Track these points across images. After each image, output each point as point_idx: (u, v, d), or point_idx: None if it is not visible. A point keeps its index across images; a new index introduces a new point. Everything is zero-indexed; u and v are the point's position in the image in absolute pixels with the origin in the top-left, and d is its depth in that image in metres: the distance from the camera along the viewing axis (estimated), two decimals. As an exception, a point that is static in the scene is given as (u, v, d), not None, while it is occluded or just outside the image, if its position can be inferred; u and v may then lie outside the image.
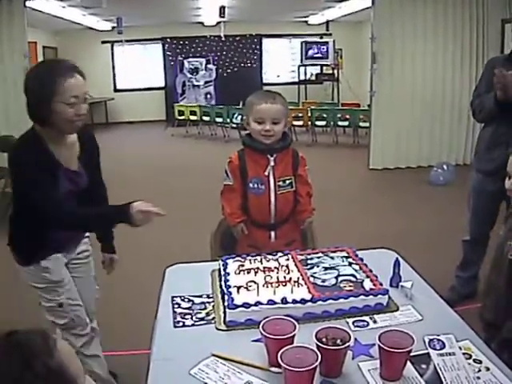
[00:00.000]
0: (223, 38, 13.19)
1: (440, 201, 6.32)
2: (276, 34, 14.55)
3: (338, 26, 13.62)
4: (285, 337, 1.52)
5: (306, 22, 13.86)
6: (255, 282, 1.89)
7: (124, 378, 2.89)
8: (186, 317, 1.88)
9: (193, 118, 12.04)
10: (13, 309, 3.66)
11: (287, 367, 1.37)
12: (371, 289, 1.87)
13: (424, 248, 4.59)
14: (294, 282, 1.90)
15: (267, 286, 1.88)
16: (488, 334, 1.96)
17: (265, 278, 1.94)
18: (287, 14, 12.70)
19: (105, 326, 2.72)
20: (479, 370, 1.50)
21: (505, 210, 3.17)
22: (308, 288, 1.87)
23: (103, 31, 13.08)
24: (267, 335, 1.54)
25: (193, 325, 1.83)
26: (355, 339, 1.62)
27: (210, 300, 1.99)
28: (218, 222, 2.79)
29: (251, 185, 2.52)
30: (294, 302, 1.78)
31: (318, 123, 10.66)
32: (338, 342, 1.50)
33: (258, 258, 2.15)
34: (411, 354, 1.47)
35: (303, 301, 1.78)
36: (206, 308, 1.93)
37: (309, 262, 2.13)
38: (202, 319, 1.86)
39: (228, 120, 11.22)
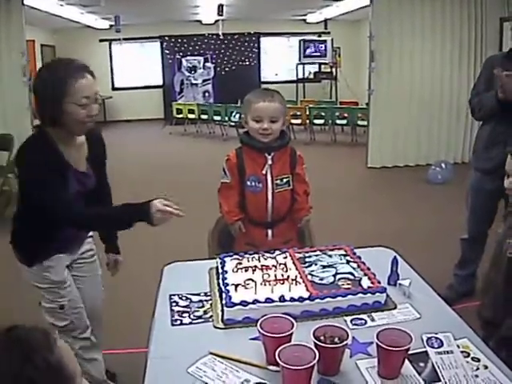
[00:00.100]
0: (221, 37, 13.18)
1: (438, 199, 6.32)
2: (274, 33, 14.54)
3: (336, 24, 13.61)
4: (283, 335, 1.52)
5: (305, 20, 13.86)
6: (253, 280, 1.89)
7: (122, 377, 2.89)
8: (184, 315, 1.88)
9: (191, 116, 12.02)
10: (13, 309, 3.65)
11: (285, 365, 1.37)
12: (369, 287, 1.87)
13: (422, 246, 4.59)
14: (292, 280, 1.90)
15: (265, 284, 1.88)
16: (486, 332, 1.96)
17: (263, 276, 1.93)
18: (285, 13, 12.69)
19: (103, 325, 2.71)
20: (477, 368, 1.50)
21: (503, 208, 3.17)
22: (306, 286, 1.87)
23: (101, 29, 13.06)
24: (265, 333, 1.53)
25: (190, 323, 1.83)
26: (353, 337, 1.62)
27: (208, 298, 1.98)
28: (216, 220, 2.79)
29: (249, 183, 2.52)
30: (292, 300, 1.77)
31: (316, 121, 10.66)
32: (336, 340, 1.50)
33: (256, 256, 2.15)
34: (409, 352, 1.47)
35: (301, 299, 1.78)
36: (203, 306, 1.93)
37: (307, 260, 2.12)
38: (199, 317, 1.86)
39: (226, 118, 11.21)
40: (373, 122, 8.03)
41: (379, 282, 1.90)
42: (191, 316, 1.87)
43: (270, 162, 2.50)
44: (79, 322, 2.44)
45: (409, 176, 7.62)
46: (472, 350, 1.58)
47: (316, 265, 2.07)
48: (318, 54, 13.34)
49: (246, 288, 1.86)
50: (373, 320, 1.78)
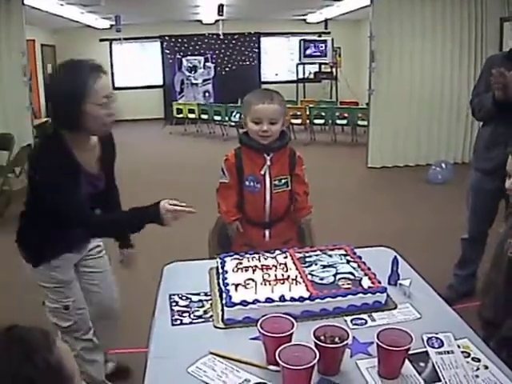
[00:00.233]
0: (222, 36, 13.20)
1: (438, 199, 6.32)
2: (274, 33, 14.54)
3: (336, 24, 13.61)
4: (283, 335, 1.52)
5: (305, 20, 13.86)
6: (253, 280, 1.89)
7: (122, 376, 2.89)
8: (184, 315, 1.88)
9: (191, 116, 12.02)
10: (13, 309, 3.65)
11: (285, 365, 1.37)
12: (369, 287, 1.87)
13: (422, 246, 4.59)
14: (292, 279, 1.90)
15: (265, 284, 1.88)
16: (486, 332, 1.96)
17: (263, 276, 1.93)
18: (286, 13, 12.69)
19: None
20: (478, 369, 1.50)
21: (503, 208, 3.17)
22: (306, 286, 1.87)
23: (101, 29, 13.06)
24: (265, 333, 1.53)
25: (190, 323, 1.83)
26: (353, 337, 1.61)
27: (208, 298, 1.98)
28: (216, 220, 2.78)
29: (247, 183, 2.51)
30: (292, 299, 1.77)
31: (316, 122, 10.66)
32: (336, 340, 1.50)
33: (256, 255, 2.14)
34: (409, 352, 1.47)
35: (301, 299, 1.78)
36: (203, 306, 1.93)
37: (307, 259, 2.12)
38: (199, 317, 1.86)
39: (226, 118, 11.21)
40: (373, 122, 8.02)
41: (379, 282, 1.90)
42: (191, 316, 1.87)
43: (268, 162, 2.49)
44: (82, 323, 2.44)
45: (409, 176, 7.62)
46: (472, 350, 1.58)
47: (316, 265, 2.07)
48: (319, 53, 13.35)
49: (247, 288, 1.86)
50: (373, 320, 1.78)
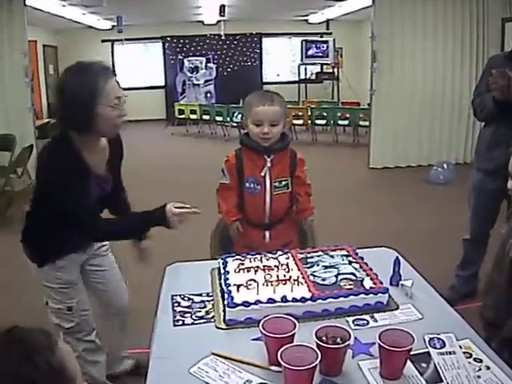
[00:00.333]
0: (223, 37, 13.20)
1: (440, 200, 6.32)
2: (276, 33, 14.55)
3: (338, 24, 13.62)
4: (285, 335, 1.52)
5: (307, 20, 13.86)
6: (255, 281, 1.89)
7: (124, 377, 2.89)
8: (186, 315, 1.88)
9: (193, 116, 12.03)
10: (13, 308, 3.66)
11: (287, 366, 1.37)
12: (371, 287, 1.86)
13: (424, 247, 4.59)
14: (294, 280, 1.90)
15: (267, 285, 1.88)
16: (488, 332, 1.96)
17: (265, 277, 1.93)
18: (287, 13, 12.69)
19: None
20: (479, 369, 1.49)
21: (505, 208, 3.17)
22: (308, 286, 1.87)
23: (103, 30, 13.08)
24: (267, 334, 1.53)
25: (192, 323, 1.83)
26: (355, 338, 1.61)
27: (210, 299, 1.98)
28: (217, 221, 2.79)
29: (247, 184, 2.51)
30: (294, 300, 1.77)
31: (318, 122, 10.66)
32: (338, 340, 1.49)
33: (258, 256, 2.14)
34: (411, 352, 1.47)
35: (303, 299, 1.78)
36: (205, 307, 1.93)
37: (309, 260, 2.12)
38: (201, 318, 1.86)
39: (228, 119, 11.21)
40: (375, 122, 8.02)
41: (381, 283, 1.90)
42: (193, 316, 1.87)
43: (269, 164, 2.49)
44: (85, 324, 2.44)
45: (410, 176, 7.61)
46: (474, 351, 1.58)
47: (318, 265, 2.07)
48: (320, 54, 13.35)
49: (248, 288, 1.86)
50: (375, 320, 1.78)
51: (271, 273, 1.98)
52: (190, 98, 13.72)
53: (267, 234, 2.59)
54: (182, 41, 14.02)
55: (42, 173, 2.16)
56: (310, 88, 13.59)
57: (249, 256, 2.15)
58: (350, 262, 2.09)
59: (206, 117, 11.79)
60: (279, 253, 2.18)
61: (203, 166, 8.02)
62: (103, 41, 14.02)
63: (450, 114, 8.05)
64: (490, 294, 2.11)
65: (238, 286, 1.86)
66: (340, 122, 10.53)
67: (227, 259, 2.14)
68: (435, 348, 1.57)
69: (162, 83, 14.36)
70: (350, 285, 1.90)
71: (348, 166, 8.48)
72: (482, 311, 2.10)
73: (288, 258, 2.14)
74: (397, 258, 2.07)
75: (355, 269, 2.02)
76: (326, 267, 2.05)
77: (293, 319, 1.60)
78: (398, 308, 1.86)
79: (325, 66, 13.74)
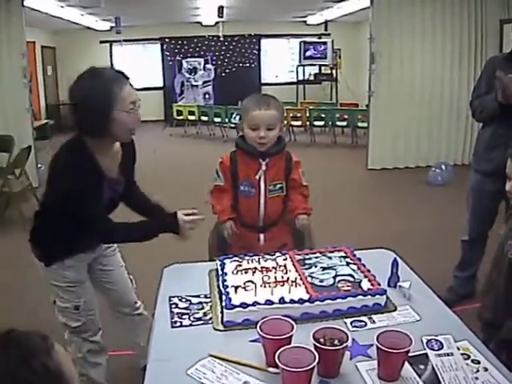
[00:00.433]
0: (222, 38, 13.20)
1: (438, 201, 6.32)
2: (274, 34, 14.54)
3: (336, 26, 13.63)
4: (282, 337, 1.52)
5: (305, 22, 13.86)
6: (253, 282, 1.89)
7: (122, 379, 2.89)
8: (184, 317, 1.88)
9: (191, 117, 12.03)
10: (12, 309, 3.66)
11: (285, 367, 1.37)
12: (369, 289, 1.87)
13: (422, 248, 4.59)
14: (292, 282, 1.90)
15: (265, 286, 1.88)
16: (486, 334, 1.96)
17: (262, 278, 1.93)
18: (286, 14, 12.69)
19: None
20: (477, 371, 1.50)
21: (504, 209, 3.17)
22: (306, 288, 1.87)
23: (101, 31, 13.06)
24: (265, 335, 1.53)
25: (190, 325, 1.83)
26: (353, 339, 1.62)
27: (208, 300, 1.98)
28: (215, 223, 2.78)
29: (242, 187, 2.49)
30: (292, 302, 1.77)
31: (316, 123, 10.65)
32: (336, 342, 1.50)
33: (256, 257, 2.14)
34: (409, 354, 1.47)
35: (301, 301, 1.78)
36: (203, 308, 1.93)
37: (306, 261, 2.12)
38: (199, 319, 1.86)
39: (226, 120, 11.21)
40: (373, 123, 8.02)
41: (379, 284, 1.90)
42: (191, 318, 1.87)
43: (263, 167, 2.47)
44: (91, 324, 2.44)
45: (409, 178, 7.61)
46: (472, 353, 1.58)
47: (316, 267, 2.07)
48: (319, 55, 13.35)
49: (246, 290, 1.86)
50: (373, 322, 1.78)
51: (269, 274, 1.98)
52: (188, 99, 13.70)
53: (262, 236, 2.57)
54: (180, 42, 14.01)
55: (56, 177, 2.18)
56: (308, 89, 13.59)
57: (247, 257, 2.15)
58: (348, 264, 2.09)
59: (204, 118, 11.78)
60: (277, 254, 2.18)
61: (201, 166, 7.99)
62: (101, 42, 14.00)
63: (448, 116, 8.06)
64: (488, 294, 2.11)
65: (236, 288, 1.87)
66: (338, 124, 10.53)
67: (225, 260, 2.14)
68: (433, 349, 1.56)
69: (161, 84, 14.34)
70: (348, 286, 1.90)
71: (346, 168, 8.48)
72: (480, 312, 2.10)
73: (286, 259, 2.14)
74: (395, 259, 2.07)
75: (353, 270, 2.03)
76: (323, 269, 2.05)
77: (290, 321, 1.60)
78: (395, 309, 1.86)
79: (323, 68, 13.72)
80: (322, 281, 1.95)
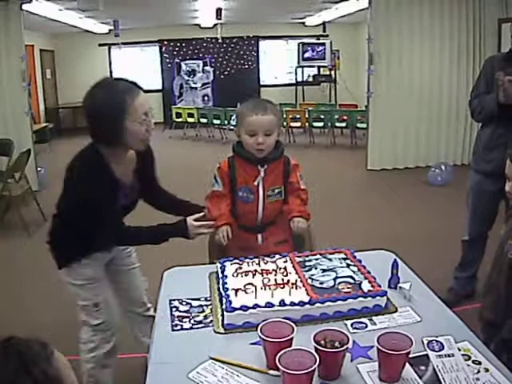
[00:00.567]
0: (220, 40, 13.22)
1: (438, 201, 6.32)
2: (273, 36, 14.55)
3: (334, 27, 13.62)
4: (283, 339, 1.52)
5: (303, 23, 13.86)
6: (253, 285, 1.89)
7: (122, 382, 2.89)
8: (184, 320, 1.88)
9: (190, 120, 12.04)
10: (12, 309, 3.66)
11: (285, 370, 1.37)
12: (369, 290, 1.86)
13: (422, 249, 4.59)
14: (292, 284, 1.90)
15: (265, 289, 1.88)
16: (487, 334, 1.96)
17: (263, 281, 1.93)
18: (284, 16, 12.70)
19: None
20: (478, 371, 1.49)
21: (503, 209, 3.17)
22: (306, 290, 1.87)
23: (100, 34, 13.06)
24: (265, 338, 1.53)
25: (191, 328, 1.83)
26: (354, 341, 1.61)
27: (208, 303, 1.98)
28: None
29: (240, 193, 2.46)
30: (292, 304, 1.77)
31: (315, 124, 10.65)
32: (337, 344, 1.49)
33: (256, 260, 2.14)
34: (410, 355, 1.47)
35: (301, 303, 1.78)
36: (203, 311, 1.93)
37: (307, 263, 2.12)
38: (199, 322, 1.86)
39: (225, 122, 11.21)
40: (372, 124, 8.03)
41: (379, 286, 1.90)
42: (191, 321, 1.87)
43: (262, 174, 2.43)
44: (111, 323, 2.49)
45: (408, 178, 7.62)
46: (473, 353, 1.58)
47: (316, 269, 2.07)
48: (317, 56, 13.35)
49: (246, 292, 1.86)
50: (373, 323, 1.78)
51: (269, 276, 1.98)
52: (187, 102, 13.70)
53: (259, 236, 2.55)
54: (178, 44, 14.02)
55: (71, 186, 2.22)
56: (307, 90, 13.59)
57: (247, 260, 2.15)
58: (348, 265, 2.09)
59: (203, 120, 11.78)
60: (277, 256, 2.18)
61: (201, 168, 8.01)
62: (100, 45, 14.01)
63: (447, 115, 8.06)
64: (488, 295, 2.11)
65: (236, 290, 1.86)
66: (337, 125, 10.53)
67: (225, 263, 2.14)
68: (434, 351, 1.56)
69: (160, 87, 14.33)
70: (349, 288, 1.90)
71: (346, 168, 8.48)
72: (481, 312, 2.10)
73: (286, 261, 2.14)
74: (395, 260, 2.07)
75: (353, 272, 2.03)
76: (324, 270, 2.05)
77: (291, 323, 1.60)
78: (396, 311, 1.86)
79: (322, 69, 13.72)
80: (322, 283, 1.95)
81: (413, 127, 8.04)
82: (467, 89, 7.28)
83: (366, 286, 1.90)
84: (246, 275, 2.01)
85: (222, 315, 1.81)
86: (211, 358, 1.61)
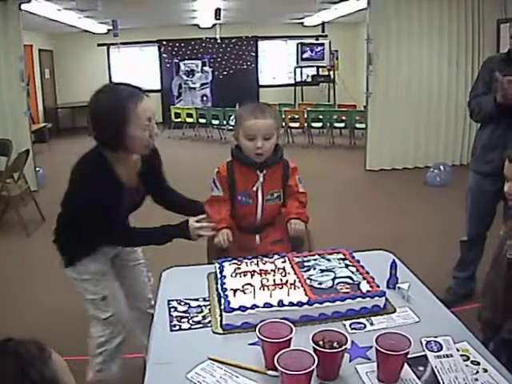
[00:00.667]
0: (219, 40, 13.21)
1: (437, 201, 6.32)
2: (272, 36, 14.55)
3: (333, 27, 13.62)
4: (281, 340, 1.52)
5: (302, 23, 13.87)
6: (252, 285, 1.89)
7: (121, 382, 2.88)
8: (183, 320, 1.88)
9: (189, 120, 12.04)
10: (11, 308, 3.65)
11: (284, 370, 1.37)
12: (368, 291, 1.86)
13: (421, 249, 4.59)
14: (291, 284, 1.90)
15: (264, 289, 1.88)
16: (486, 334, 1.96)
17: (261, 281, 1.93)
18: (283, 16, 12.70)
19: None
20: (477, 372, 1.49)
21: (502, 210, 3.17)
22: (305, 290, 1.87)
23: (99, 34, 13.05)
24: (264, 338, 1.53)
25: (189, 328, 1.83)
26: (352, 342, 1.61)
27: (207, 303, 1.98)
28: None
29: (239, 198, 2.44)
30: (291, 304, 1.77)
31: (314, 125, 10.65)
32: (335, 344, 1.49)
33: (255, 260, 2.14)
34: (408, 356, 1.47)
35: (300, 303, 1.78)
36: (202, 311, 1.93)
37: (305, 264, 2.12)
38: (198, 323, 1.85)
39: (224, 122, 11.22)
40: (371, 124, 8.03)
41: (378, 286, 1.90)
42: (190, 321, 1.87)
43: (261, 179, 2.41)
44: (121, 316, 2.50)
45: (407, 178, 7.62)
46: (471, 354, 1.58)
47: (315, 269, 2.07)
48: (316, 57, 13.35)
49: (245, 293, 1.86)
50: (372, 324, 1.78)
51: (268, 277, 1.98)
52: (186, 102, 13.69)
53: (257, 236, 2.54)
54: (177, 44, 14.02)
55: (76, 188, 2.24)
56: (306, 91, 13.59)
57: (245, 260, 2.15)
58: (347, 266, 2.09)
59: (202, 120, 11.79)
60: (276, 257, 2.17)
61: (200, 169, 8.01)
62: (99, 45, 14.00)
63: (446, 116, 8.06)
64: (487, 295, 2.11)
65: (235, 291, 1.86)
66: (336, 125, 10.54)
67: (224, 263, 2.14)
68: (432, 351, 1.56)
69: (158, 87, 14.33)
70: (347, 288, 1.90)
71: (344, 169, 8.47)
72: (480, 312, 2.10)
73: (284, 261, 2.14)
74: (393, 260, 2.07)
75: (352, 272, 2.02)
76: (322, 271, 2.05)
77: (289, 323, 1.60)
78: (395, 311, 1.86)
79: (321, 69, 13.72)
80: (320, 283, 1.95)
81: (412, 127, 8.04)
82: (466, 89, 7.29)
83: (364, 287, 1.90)
84: (244, 275, 2.01)
85: (221, 315, 1.81)
86: (210, 359, 1.61)
